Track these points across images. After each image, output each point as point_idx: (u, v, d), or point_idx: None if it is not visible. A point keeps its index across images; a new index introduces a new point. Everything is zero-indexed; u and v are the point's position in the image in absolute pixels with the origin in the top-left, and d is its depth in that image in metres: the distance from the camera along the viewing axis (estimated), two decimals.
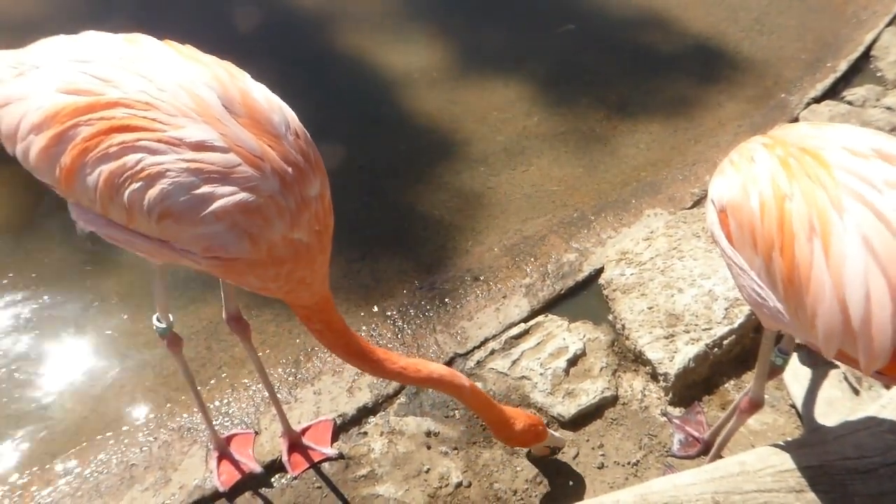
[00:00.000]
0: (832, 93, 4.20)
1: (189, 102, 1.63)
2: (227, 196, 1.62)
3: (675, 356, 2.77)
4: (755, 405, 2.21)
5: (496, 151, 3.89)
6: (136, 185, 1.61)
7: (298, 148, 1.74)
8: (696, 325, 2.83)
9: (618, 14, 4.81)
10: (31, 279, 3.25)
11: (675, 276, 3.03)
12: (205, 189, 1.61)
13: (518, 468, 2.66)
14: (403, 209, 3.60)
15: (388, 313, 3.15)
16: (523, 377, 2.86)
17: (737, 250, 1.72)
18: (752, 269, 1.69)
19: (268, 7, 4.79)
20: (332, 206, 1.89)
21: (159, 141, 1.59)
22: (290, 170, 1.70)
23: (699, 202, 3.56)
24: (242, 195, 1.63)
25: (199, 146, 1.60)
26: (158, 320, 2.29)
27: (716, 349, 2.80)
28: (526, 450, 2.66)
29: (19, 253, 3.34)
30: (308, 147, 1.78)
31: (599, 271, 3.25)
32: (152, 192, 1.61)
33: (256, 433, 2.75)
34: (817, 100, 4.13)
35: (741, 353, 2.89)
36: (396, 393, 2.87)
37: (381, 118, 4.07)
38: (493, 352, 2.96)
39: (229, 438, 2.71)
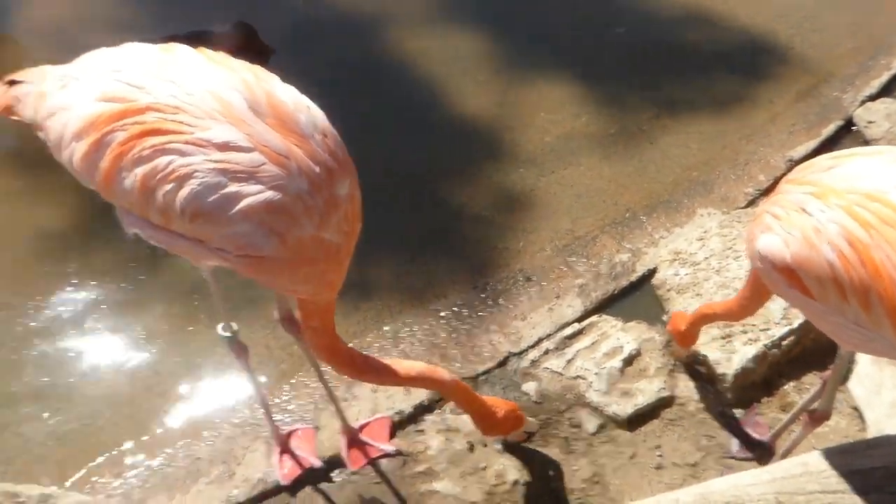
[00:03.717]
0: (887, 91, 4.12)
1: (215, 105, 1.67)
2: (254, 195, 1.66)
3: (733, 356, 2.76)
4: (823, 417, 2.21)
5: (545, 152, 3.90)
6: (168, 187, 1.67)
7: (326, 147, 1.76)
8: (754, 325, 2.82)
9: (665, 12, 4.78)
10: (91, 280, 3.34)
11: (730, 276, 3.01)
12: (232, 188, 1.65)
13: (575, 467, 2.68)
14: (453, 210, 3.63)
15: (442, 314, 3.19)
16: (578, 377, 2.87)
17: (819, 302, 1.71)
18: (844, 316, 1.68)
19: (312, 13, 4.84)
20: (361, 209, 1.90)
21: (188, 143, 1.64)
22: (317, 169, 1.72)
23: (753, 202, 3.53)
24: (268, 193, 1.66)
25: (225, 146, 1.65)
26: (223, 329, 2.35)
27: (774, 350, 2.79)
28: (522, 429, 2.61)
29: (78, 254, 3.43)
30: (337, 147, 1.80)
31: (653, 272, 3.25)
32: (183, 193, 1.66)
33: (316, 429, 2.81)
34: (872, 98, 4.06)
35: (801, 354, 2.87)
36: None
37: (429, 120, 4.10)
38: (547, 351, 2.98)
39: (290, 434, 2.76)
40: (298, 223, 1.72)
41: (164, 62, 1.77)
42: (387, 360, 2.24)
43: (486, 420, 2.44)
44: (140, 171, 1.67)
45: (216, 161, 1.64)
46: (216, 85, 1.70)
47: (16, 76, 1.93)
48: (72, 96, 1.77)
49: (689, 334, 2.64)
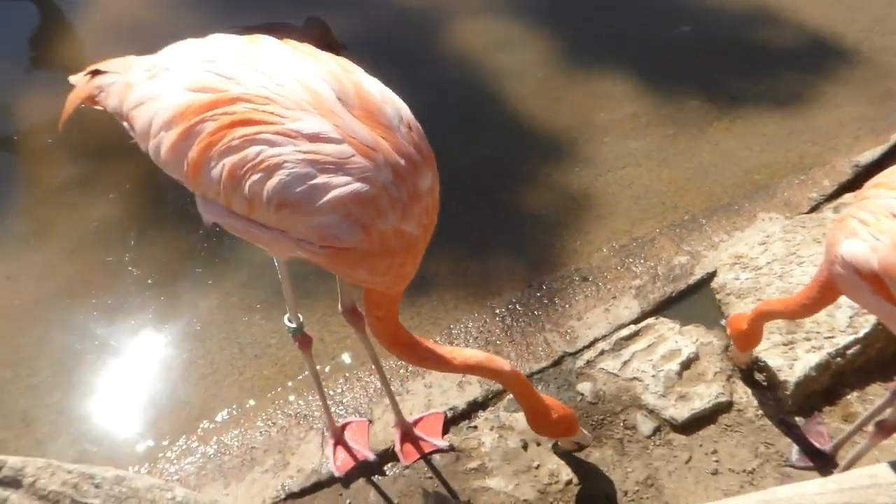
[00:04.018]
0: None
1: (305, 96, 1.68)
2: (342, 186, 1.66)
3: (795, 364, 2.70)
4: (894, 428, 2.15)
5: (603, 152, 3.86)
6: (256, 177, 1.67)
7: (411, 140, 1.76)
8: (818, 332, 2.75)
9: (730, 12, 4.70)
10: (149, 270, 3.41)
11: (794, 283, 2.94)
12: (320, 179, 1.65)
13: (629, 469, 2.65)
14: (510, 208, 3.62)
15: (497, 311, 3.18)
16: (634, 378, 2.84)
17: None
18: None
19: (366, 9, 4.87)
20: (438, 203, 1.90)
21: (277, 133, 1.65)
22: (402, 161, 1.72)
23: (817, 207, 3.45)
24: (356, 185, 1.66)
25: (315, 137, 1.65)
26: (289, 321, 2.38)
27: (838, 358, 2.71)
28: (574, 437, 2.56)
29: (136, 245, 3.50)
30: (420, 140, 1.80)
31: (712, 275, 3.20)
32: (271, 183, 1.66)
33: (370, 422, 2.83)
34: None
35: (865, 364, 2.79)
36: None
37: (486, 118, 4.10)
38: (602, 352, 2.95)
39: (344, 426, 2.79)
40: (383, 215, 1.72)
41: (252, 53, 1.78)
42: (447, 348, 2.25)
43: (539, 418, 2.42)
44: (228, 160, 1.69)
45: (306, 152, 1.65)
46: (305, 75, 1.71)
47: (99, 66, 1.95)
48: (161, 86, 1.78)
49: (751, 334, 2.58)
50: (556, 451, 2.69)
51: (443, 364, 2.24)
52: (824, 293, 2.09)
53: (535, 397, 2.38)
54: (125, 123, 1.90)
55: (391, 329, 2.15)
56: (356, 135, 1.67)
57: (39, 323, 3.23)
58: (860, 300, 1.81)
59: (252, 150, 1.66)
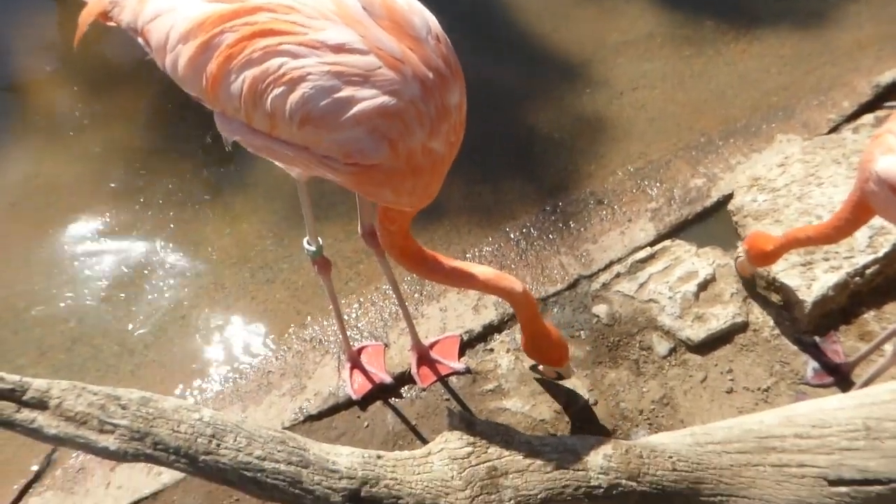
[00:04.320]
0: None
1: (329, 5, 1.59)
2: (368, 99, 1.58)
3: (813, 284, 2.68)
4: None
5: (618, 74, 3.77)
6: (278, 91, 1.60)
7: (439, 52, 1.67)
8: (837, 252, 2.73)
9: None
10: (159, 198, 3.37)
11: (812, 203, 2.91)
12: (345, 92, 1.58)
13: (644, 389, 2.66)
14: (524, 131, 3.55)
15: (512, 235, 3.15)
16: (650, 300, 2.83)
17: None
18: None
19: None
20: (465, 119, 1.82)
21: (301, 44, 1.57)
22: (430, 75, 1.64)
23: (837, 128, 3.38)
24: (383, 98, 1.59)
25: (340, 48, 1.57)
26: (308, 244, 2.34)
27: (857, 278, 2.70)
28: (559, 368, 2.53)
29: (149, 178, 3.44)
30: (449, 53, 1.71)
31: (728, 197, 3.16)
32: (294, 97, 1.59)
33: (386, 346, 2.83)
34: None
35: (883, 283, 2.78)
36: None
37: (498, 40, 3.99)
38: (618, 275, 2.93)
39: (360, 350, 2.79)
40: (410, 131, 1.65)
41: None
42: (458, 262, 2.19)
43: (537, 341, 2.38)
44: (249, 73, 1.61)
45: (330, 63, 1.56)
46: None
47: None
48: None
49: (773, 256, 2.54)
50: (535, 374, 2.69)
51: (453, 278, 2.19)
52: (857, 213, 2.05)
53: (540, 321, 2.34)
54: (140, 39, 1.81)
55: (401, 241, 2.10)
56: (383, 46, 1.58)
57: (47, 251, 3.20)
58: (893, 218, 1.78)
59: (274, 63, 1.58)
